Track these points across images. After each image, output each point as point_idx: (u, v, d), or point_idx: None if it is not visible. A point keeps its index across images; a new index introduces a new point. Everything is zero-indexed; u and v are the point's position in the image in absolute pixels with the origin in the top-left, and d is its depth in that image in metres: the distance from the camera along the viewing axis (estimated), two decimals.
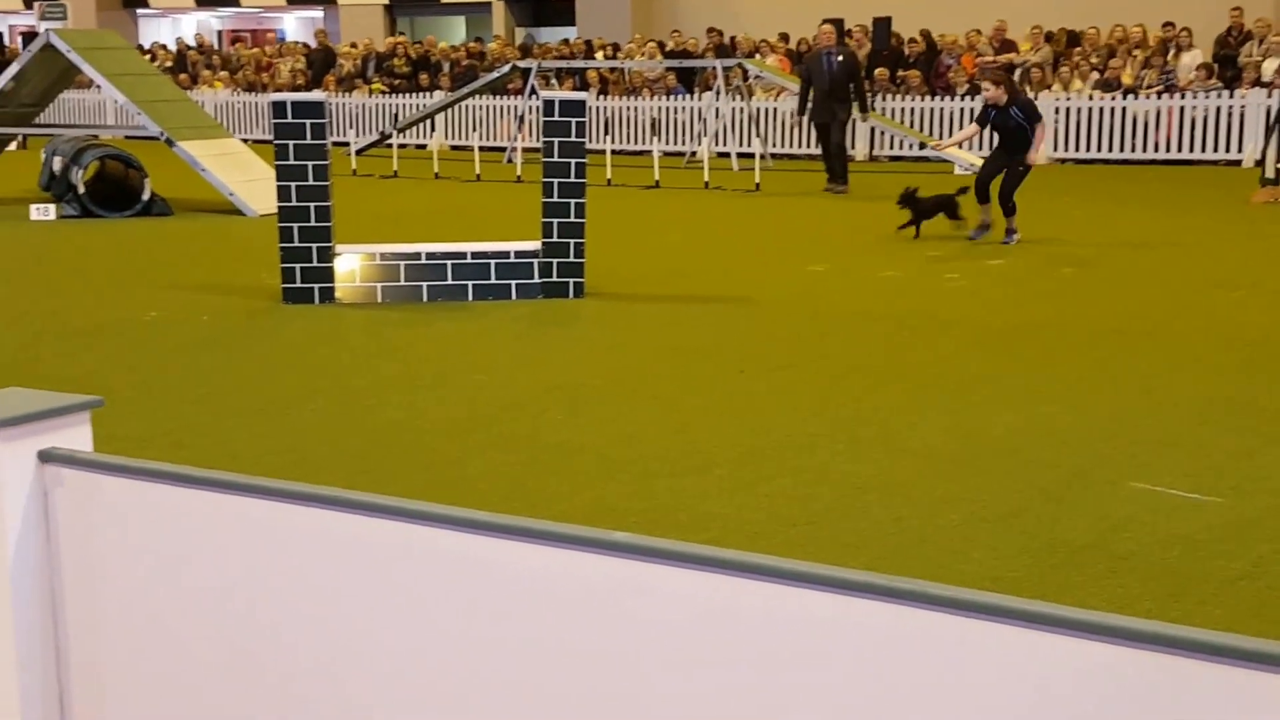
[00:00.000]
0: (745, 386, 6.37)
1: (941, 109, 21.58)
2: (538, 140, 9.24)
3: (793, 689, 1.74)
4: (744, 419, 5.75)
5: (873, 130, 21.66)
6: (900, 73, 22.55)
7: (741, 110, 21.65)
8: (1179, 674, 1.47)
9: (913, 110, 21.89)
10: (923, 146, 20.50)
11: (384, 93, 25.97)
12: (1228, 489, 4.66)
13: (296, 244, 8.52)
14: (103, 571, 2.33)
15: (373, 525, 2.05)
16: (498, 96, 24.14)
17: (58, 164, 13.57)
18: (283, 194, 8.46)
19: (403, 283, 8.77)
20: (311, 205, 8.47)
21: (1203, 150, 19.54)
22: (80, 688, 2.38)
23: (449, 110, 23.50)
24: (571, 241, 8.86)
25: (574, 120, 8.78)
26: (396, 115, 24.18)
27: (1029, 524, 4.38)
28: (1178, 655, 1.48)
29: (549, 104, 8.88)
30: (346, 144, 19.69)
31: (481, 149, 19.68)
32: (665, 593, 1.82)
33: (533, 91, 20.21)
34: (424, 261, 8.80)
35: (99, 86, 14.85)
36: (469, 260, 8.85)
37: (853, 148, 19.95)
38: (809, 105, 16.42)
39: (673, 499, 4.67)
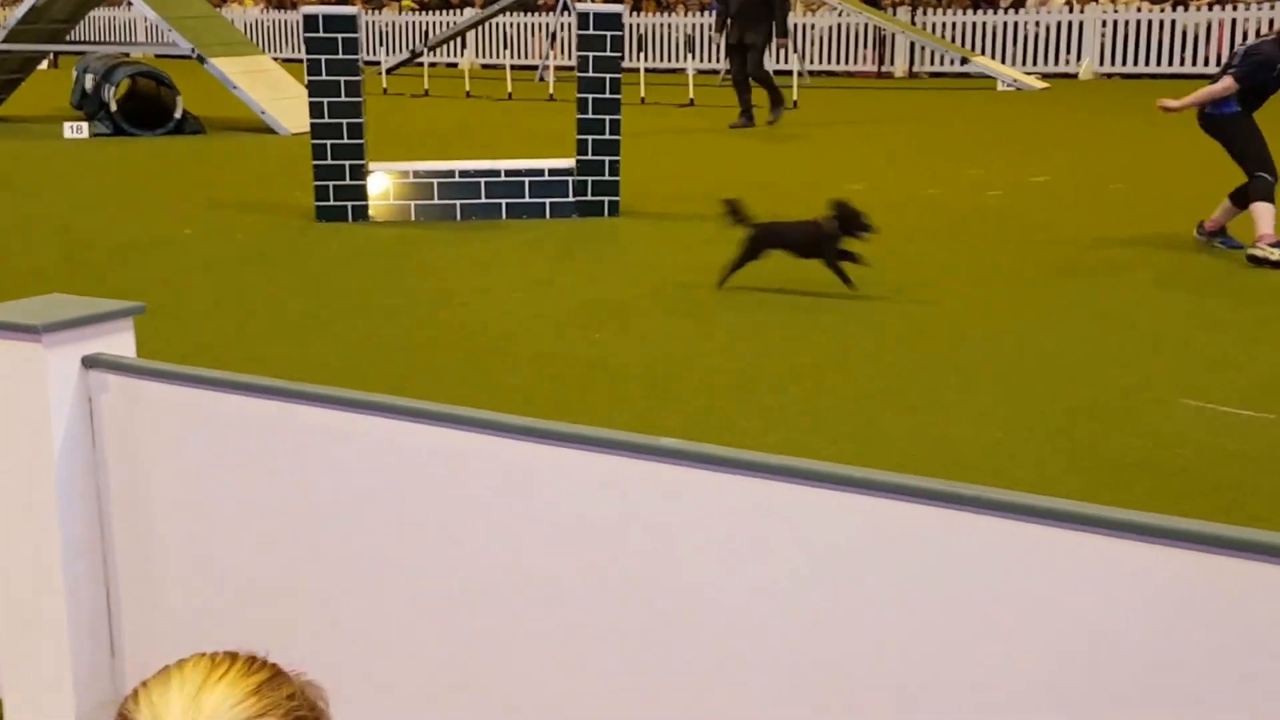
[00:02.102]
0: (786, 305, 6.26)
1: (984, 24, 21.16)
2: (570, 58, 9.07)
3: (839, 590, 1.73)
4: (785, 338, 5.65)
5: (912, 45, 21.29)
6: None
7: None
8: (1244, 577, 1.47)
9: (953, 25, 21.48)
10: (964, 62, 20.14)
11: (414, 10, 25.71)
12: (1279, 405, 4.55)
13: (329, 162, 8.42)
14: (147, 475, 2.32)
15: (419, 431, 2.04)
16: (529, 13, 23.86)
17: (89, 82, 13.49)
18: (315, 110, 8.33)
19: (436, 201, 8.66)
20: (344, 122, 8.35)
21: None
22: (126, 589, 2.39)
23: (480, 28, 23.24)
24: (607, 159, 8.71)
25: (609, 34, 8.59)
26: (427, 33, 23.94)
27: (1076, 441, 4.29)
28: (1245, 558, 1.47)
29: (583, 17, 8.69)
30: (377, 63, 19.50)
31: (513, 67, 19.47)
32: (703, 497, 1.79)
33: (565, 7, 19.93)
34: (457, 179, 8.69)
35: (130, 3, 14.73)
36: (503, 178, 8.73)
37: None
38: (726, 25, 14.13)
39: (714, 417, 4.59)
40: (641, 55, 20.46)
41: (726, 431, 4.43)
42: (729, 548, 1.79)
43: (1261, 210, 6.93)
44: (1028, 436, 4.34)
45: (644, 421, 4.53)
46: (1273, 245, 6.81)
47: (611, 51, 8.61)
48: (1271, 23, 18.94)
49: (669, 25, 23.03)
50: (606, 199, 8.75)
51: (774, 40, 13.99)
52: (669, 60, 22.19)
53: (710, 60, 21.92)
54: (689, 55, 20.59)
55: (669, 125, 14.33)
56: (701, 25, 22.72)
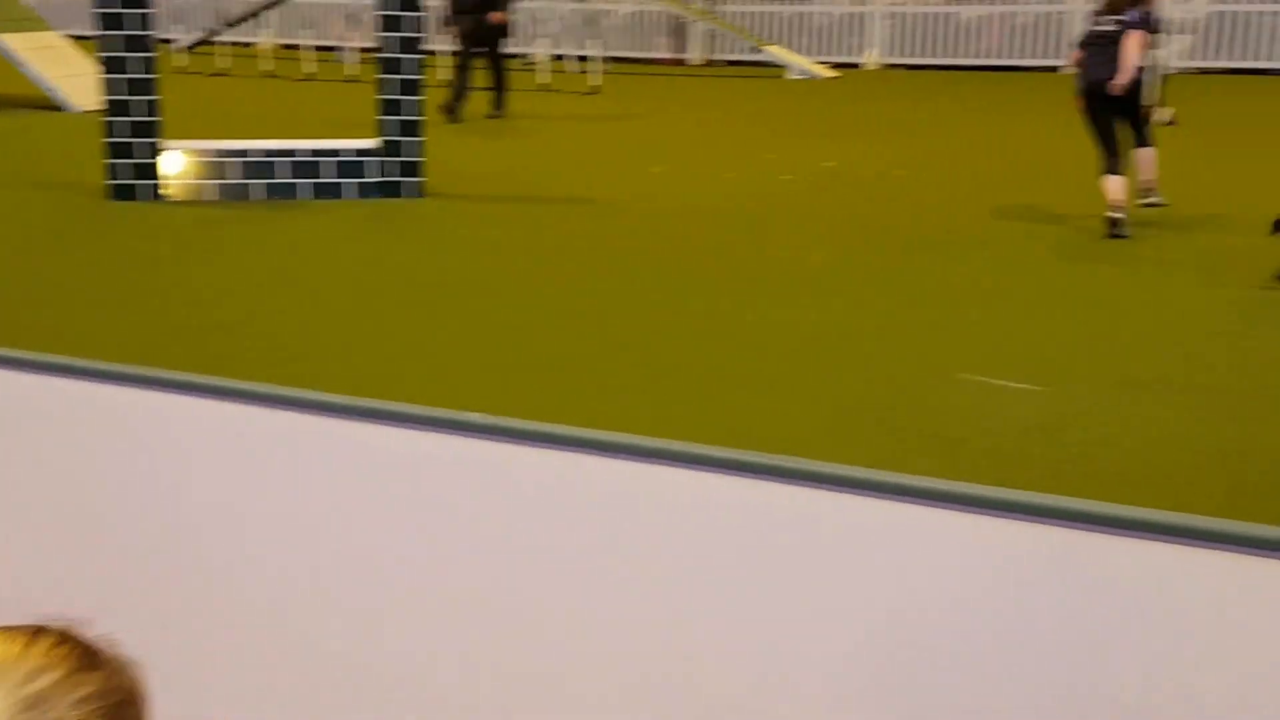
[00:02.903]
0: (591, 285, 6.39)
1: (776, 13, 21.67)
2: (372, 39, 9.01)
3: (659, 565, 1.77)
4: (589, 318, 5.77)
5: (708, 33, 21.67)
6: None
7: (578, 12, 21.42)
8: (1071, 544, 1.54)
9: (748, 15, 21.95)
10: (757, 50, 20.63)
11: None
12: (1054, 378, 4.85)
13: (122, 139, 8.20)
14: None
15: (221, 409, 2.00)
16: None
17: None
18: (107, 87, 8.11)
19: (233, 180, 8.52)
20: (137, 99, 8.15)
21: (1029, 56, 20.01)
22: None
23: (279, 7, 22.73)
24: (410, 140, 8.70)
25: (410, 16, 8.58)
26: (223, 11, 23.30)
27: (868, 414, 4.50)
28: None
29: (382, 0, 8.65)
30: (171, 41, 18.92)
31: (315, 48, 19.11)
32: (519, 470, 1.84)
33: None
34: (256, 159, 8.56)
35: None
36: (303, 158, 8.64)
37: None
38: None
39: (520, 396, 4.68)
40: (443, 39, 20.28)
41: (536, 410, 4.53)
42: (534, 520, 1.82)
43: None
44: (820, 410, 4.55)
45: (456, 400, 4.60)
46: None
47: (412, 33, 8.60)
48: (1048, 17, 19.91)
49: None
50: (410, 180, 8.73)
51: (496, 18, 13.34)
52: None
53: (513, 44, 21.91)
54: None
55: (472, 108, 14.28)
56: None
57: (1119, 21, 7.70)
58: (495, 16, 13.23)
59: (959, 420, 4.41)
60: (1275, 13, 18.71)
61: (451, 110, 12.90)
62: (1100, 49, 7.72)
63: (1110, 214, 7.44)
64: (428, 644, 1.87)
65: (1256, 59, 18.84)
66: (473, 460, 1.91)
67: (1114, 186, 7.51)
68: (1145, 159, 7.82)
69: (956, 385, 4.78)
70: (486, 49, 13.37)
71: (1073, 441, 4.19)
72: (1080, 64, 7.87)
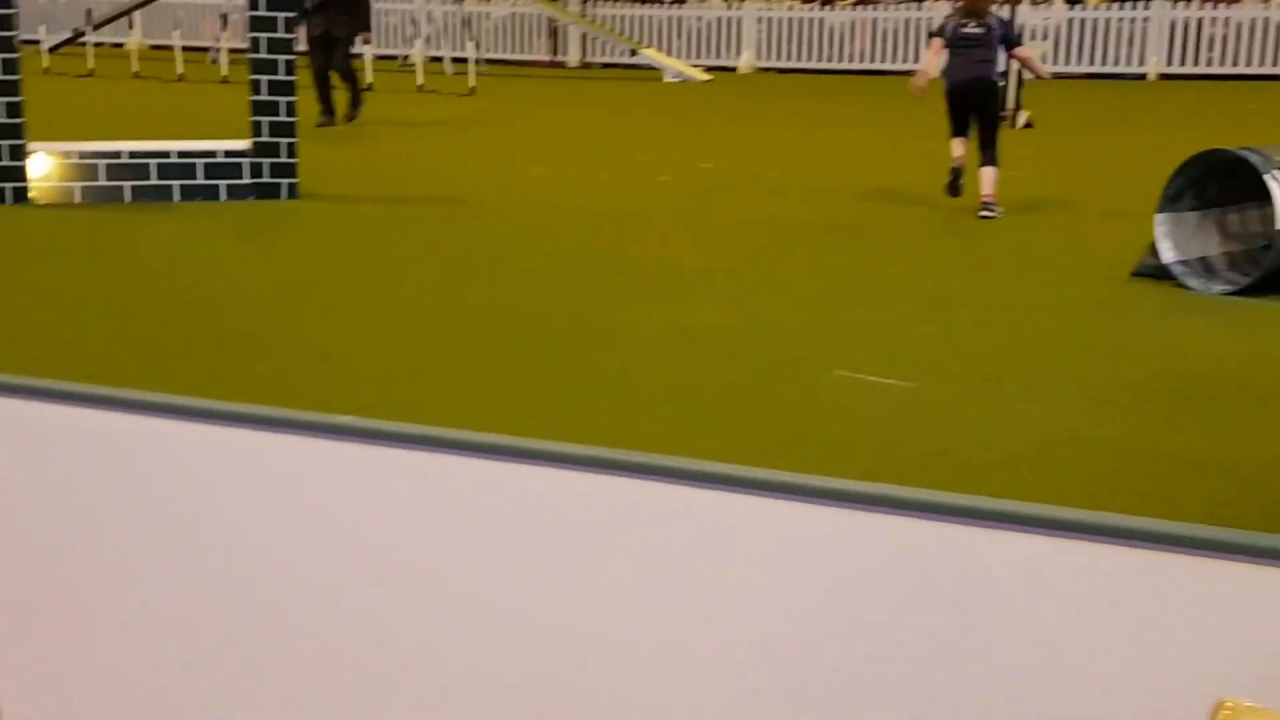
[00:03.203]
0: (465, 284, 6.41)
1: (652, 17, 21.83)
2: (244, 40, 8.92)
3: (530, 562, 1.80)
4: (467, 316, 5.79)
5: (585, 36, 21.77)
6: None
7: (455, 14, 21.36)
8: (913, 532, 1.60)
9: (623, 18, 22.08)
10: (633, 53, 20.77)
11: None
12: (921, 374, 5.00)
13: None
14: None
15: (115, 420, 1.99)
16: None
17: None
18: None
19: (103, 182, 8.37)
20: (0, 101, 7.97)
21: (895, 60, 20.44)
22: None
23: (147, 7, 22.28)
24: (284, 141, 8.63)
25: (281, 16, 8.52)
26: (90, 11, 22.76)
27: (741, 412, 4.58)
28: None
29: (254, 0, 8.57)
30: (36, 42, 18.45)
31: (184, 48, 18.78)
32: (390, 475, 1.86)
33: None
34: (125, 160, 8.41)
35: None
36: (174, 159, 8.51)
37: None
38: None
39: (402, 395, 4.70)
40: None
41: (417, 411, 4.56)
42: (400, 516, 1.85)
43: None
44: (693, 409, 4.63)
45: (356, 404, 4.61)
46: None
47: (285, 33, 8.53)
48: (915, 22, 20.35)
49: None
50: (285, 181, 8.66)
51: (359, 35, 13.37)
52: None
53: (388, 45, 21.76)
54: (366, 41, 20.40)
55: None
56: (378, 10, 22.55)
57: (983, 25, 8.44)
58: (366, 35, 12.98)
59: (832, 416, 4.52)
60: (1128, 20, 19.35)
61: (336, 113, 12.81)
62: (967, 51, 8.38)
63: (954, 165, 8.47)
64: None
65: (1111, 65, 19.47)
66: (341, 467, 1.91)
67: (956, 146, 8.49)
68: (988, 176, 8.38)
69: (832, 382, 4.90)
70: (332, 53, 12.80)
71: (941, 435, 4.32)
72: (949, 65, 8.56)
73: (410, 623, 1.84)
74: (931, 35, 8.87)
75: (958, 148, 8.51)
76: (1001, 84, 8.81)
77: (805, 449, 4.20)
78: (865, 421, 4.46)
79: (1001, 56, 8.71)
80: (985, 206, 8.31)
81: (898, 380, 4.89)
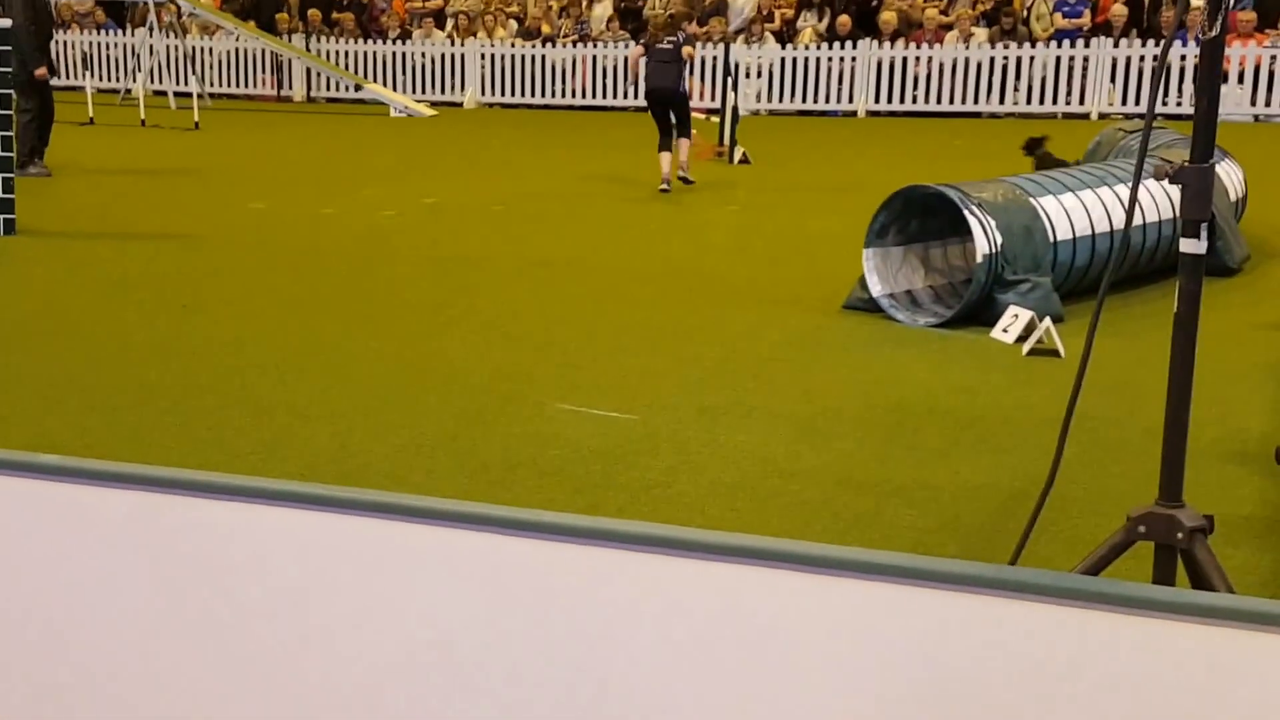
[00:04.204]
0: (190, 321, 6.18)
1: (376, 53, 21.59)
2: None
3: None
4: (190, 354, 5.58)
5: (309, 71, 21.37)
6: (334, 15, 22.39)
7: (177, 48, 20.66)
8: (601, 561, 1.62)
9: (346, 53, 21.77)
10: (358, 88, 20.51)
11: None
12: (641, 406, 5.05)
13: None
14: None
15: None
16: None
17: None
18: None
19: None
20: None
21: (615, 96, 20.71)
22: None
23: None
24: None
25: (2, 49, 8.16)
26: None
27: (464, 445, 4.55)
28: (599, 545, 1.63)
29: None
30: None
31: None
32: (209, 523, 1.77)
33: None
34: None
35: None
36: None
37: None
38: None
39: (115, 435, 4.47)
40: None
41: (146, 447, 4.32)
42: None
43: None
44: (419, 443, 4.56)
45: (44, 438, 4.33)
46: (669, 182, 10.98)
47: (3, 67, 8.17)
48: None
49: (65, 43, 21.69)
50: (1, 217, 8.25)
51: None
52: (66, 78, 20.87)
53: (109, 79, 20.95)
54: (87, 73, 19.60)
55: (68, 144, 13.47)
56: (98, 44, 21.66)
57: (672, 42, 10.97)
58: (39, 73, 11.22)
59: (554, 449, 4.52)
60: (837, 58, 20.17)
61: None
62: (662, 63, 10.94)
63: (662, 186, 11.00)
64: None
65: (823, 102, 20.24)
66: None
67: (664, 161, 10.99)
68: (684, 146, 11.16)
69: (554, 415, 4.90)
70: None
71: (661, 466, 4.37)
72: (647, 74, 11.11)
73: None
74: (635, 44, 11.78)
75: (665, 163, 10.93)
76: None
77: (528, 482, 4.19)
78: (588, 454, 4.47)
79: (685, 67, 11.08)
80: (683, 169, 11.13)
81: (619, 413, 4.93)
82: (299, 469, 4.20)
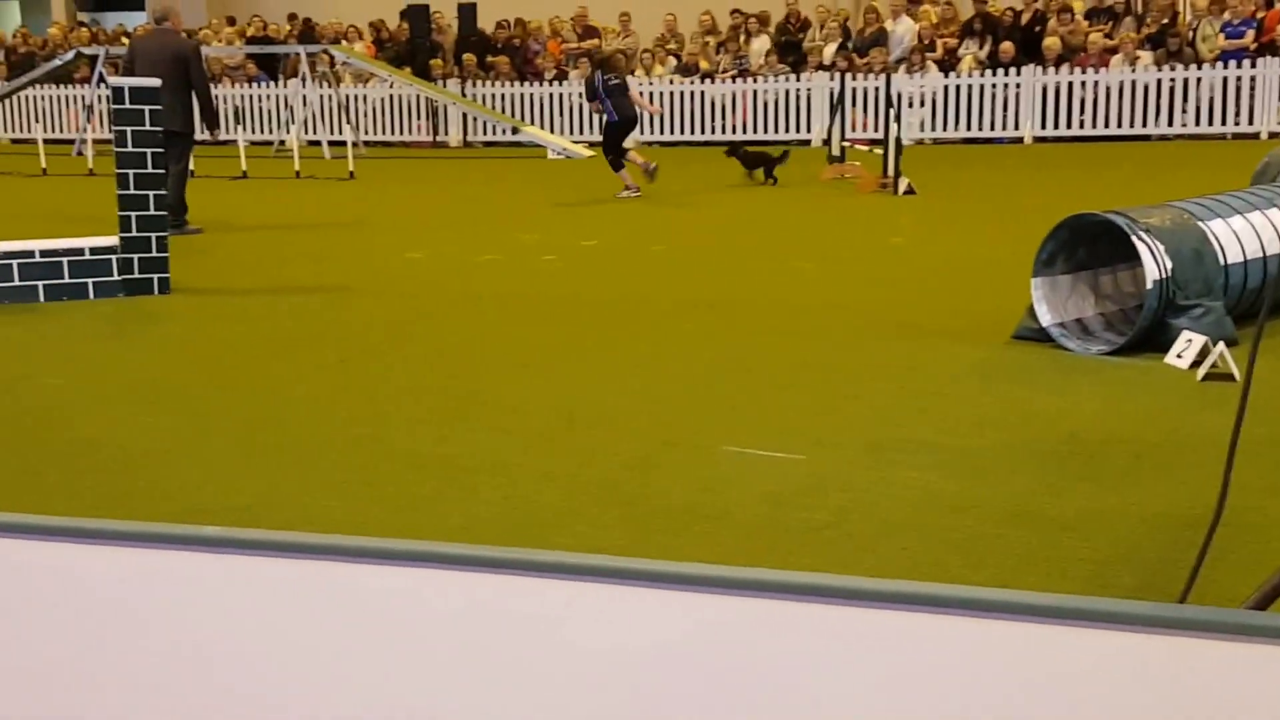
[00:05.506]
0: (345, 375, 6.25)
1: (532, 94, 21.90)
2: (109, 130, 8.74)
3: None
4: (346, 408, 5.63)
5: (465, 116, 21.76)
6: (489, 58, 22.76)
7: (330, 97, 21.24)
8: (783, 617, 1.55)
9: (502, 96, 22.12)
10: (515, 131, 20.78)
11: None
12: (807, 445, 4.95)
13: None
14: None
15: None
16: (62, 85, 22.67)
17: None
18: None
19: None
20: None
21: (775, 131, 20.73)
22: None
23: (7, 101, 21.87)
24: (153, 235, 8.42)
25: (147, 108, 8.35)
26: None
27: (627, 493, 4.49)
28: (778, 599, 1.56)
29: (118, 91, 8.39)
30: None
31: (47, 141, 18.42)
32: (255, 581, 1.78)
33: (101, 79, 19.10)
34: None
35: None
36: (37, 259, 8.25)
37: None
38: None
39: (270, 495, 4.52)
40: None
41: (288, 509, 4.38)
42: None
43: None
44: (583, 492, 4.52)
45: (194, 509, 4.42)
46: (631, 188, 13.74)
47: (150, 125, 8.36)
48: (786, 94, 20.63)
49: (217, 97, 22.52)
50: (156, 276, 8.44)
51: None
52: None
53: (263, 131, 21.57)
54: (239, 126, 20.19)
55: (222, 199, 13.98)
56: (250, 96, 22.34)
57: (619, 78, 13.85)
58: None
59: (722, 493, 4.45)
60: (1000, 85, 19.83)
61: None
62: (619, 97, 13.61)
63: (627, 190, 13.77)
64: None
65: (987, 129, 19.92)
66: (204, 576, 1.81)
67: (626, 177, 13.62)
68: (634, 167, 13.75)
69: (721, 458, 4.83)
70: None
71: (830, 507, 4.26)
72: (616, 106, 13.57)
73: None
74: (590, 90, 13.99)
75: (628, 178, 13.66)
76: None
77: (695, 527, 4.12)
78: (755, 496, 4.39)
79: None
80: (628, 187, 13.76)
81: (785, 453, 4.84)
82: (462, 523, 4.19)
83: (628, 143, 14.42)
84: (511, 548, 1.67)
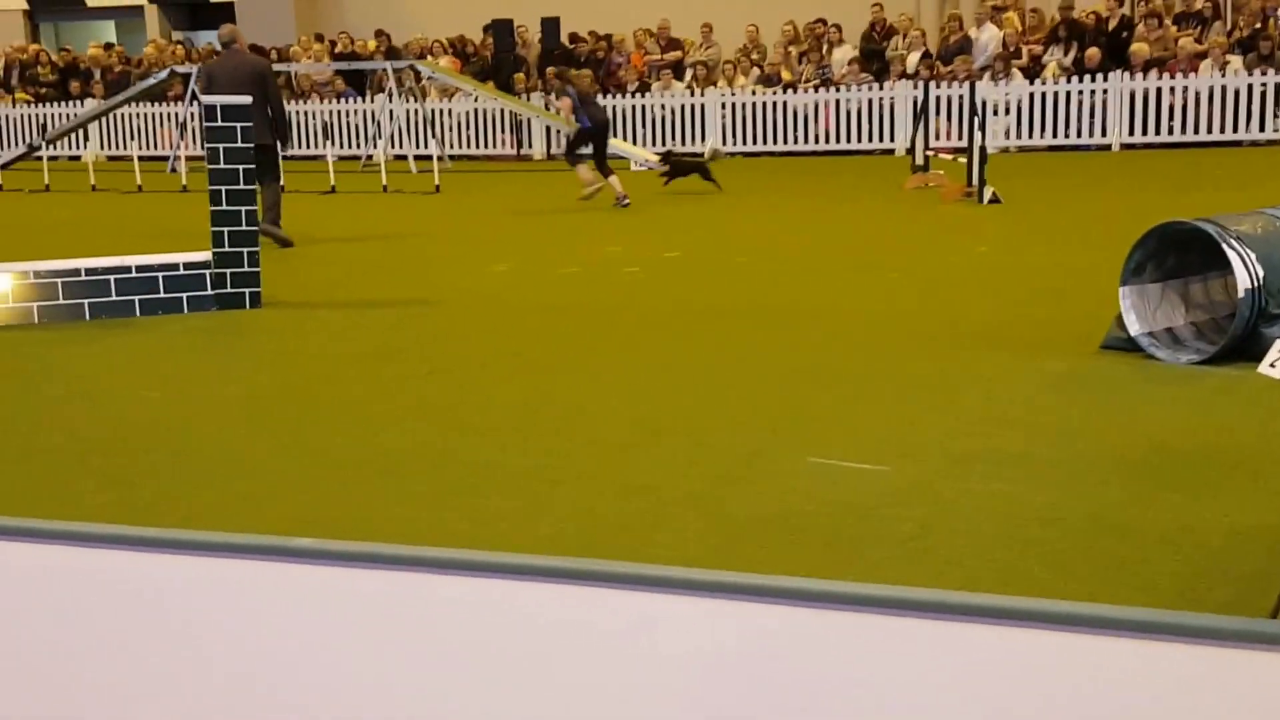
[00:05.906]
0: (433, 387, 6.33)
1: (616, 106, 22.00)
2: (202, 148, 8.93)
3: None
4: (434, 421, 5.70)
5: (548, 128, 21.91)
6: (572, 72, 22.91)
7: (416, 112, 21.50)
8: (859, 629, 1.55)
9: None
10: None
11: (29, 102, 24.50)
12: (892, 457, 4.93)
13: None
14: None
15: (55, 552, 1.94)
16: (156, 103, 23.18)
17: None
18: None
19: (62, 301, 8.29)
20: None
21: (859, 140, 20.64)
22: None
23: (103, 119, 22.40)
24: (245, 250, 8.59)
25: (239, 125, 8.52)
26: (45, 125, 22.86)
27: (711, 504, 4.49)
28: (859, 612, 1.57)
29: (210, 109, 8.58)
30: None
31: (142, 158, 18.83)
32: (348, 593, 1.81)
33: (194, 97, 19.49)
34: (84, 278, 8.35)
35: None
36: (134, 274, 8.45)
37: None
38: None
39: (365, 507, 4.59)
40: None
41: (377, 518, 4.45)
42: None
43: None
44: (666, 502, 4.54)
45: (297, 518, 4.50)
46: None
47: (242, 142, 8.52)
48: (870, 103, 20.55)
49: (305, 113, 22.86)
50: (248, 290, 8.61)
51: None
52: (307, 147, 22.01)
53: (350, 146, 21.88)
54: (328, 142, 20.50)
55: (312, 213, 14.19)
56: (338, 112, 22.67)
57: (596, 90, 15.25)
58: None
59: (806, 505, 4.44)
60: (1087, 92, 19.58)
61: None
62: (594, 104, 15.12)
63: (589, 192, 14.60)
64: None
65: (1074, 137, 19.67)
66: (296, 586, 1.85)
67: (616, 182, 14.34)
68: (616, 181, 14.29)
69: (801, 469, 4.82)
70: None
71: (916, 520, 4.24)
72: (591, 114, 14.61)
73: None
74: (568, 97, 14.81)
75: (617, 183, 14.29)
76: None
77: (779, 538, 4.12)
78: (839, 508, 4.38)
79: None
80: (590, 193, 14.41)
81: (870, 465, 4.83)
82: (550, 533, 4.23)
83: (584, 168, 14.80)
84: (595, 559, 1.70)
